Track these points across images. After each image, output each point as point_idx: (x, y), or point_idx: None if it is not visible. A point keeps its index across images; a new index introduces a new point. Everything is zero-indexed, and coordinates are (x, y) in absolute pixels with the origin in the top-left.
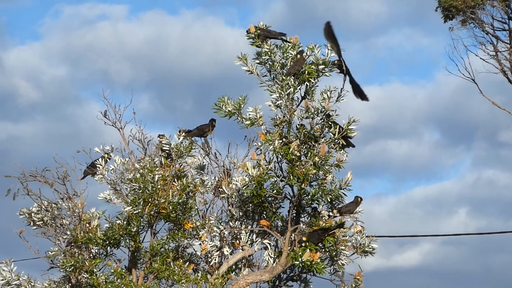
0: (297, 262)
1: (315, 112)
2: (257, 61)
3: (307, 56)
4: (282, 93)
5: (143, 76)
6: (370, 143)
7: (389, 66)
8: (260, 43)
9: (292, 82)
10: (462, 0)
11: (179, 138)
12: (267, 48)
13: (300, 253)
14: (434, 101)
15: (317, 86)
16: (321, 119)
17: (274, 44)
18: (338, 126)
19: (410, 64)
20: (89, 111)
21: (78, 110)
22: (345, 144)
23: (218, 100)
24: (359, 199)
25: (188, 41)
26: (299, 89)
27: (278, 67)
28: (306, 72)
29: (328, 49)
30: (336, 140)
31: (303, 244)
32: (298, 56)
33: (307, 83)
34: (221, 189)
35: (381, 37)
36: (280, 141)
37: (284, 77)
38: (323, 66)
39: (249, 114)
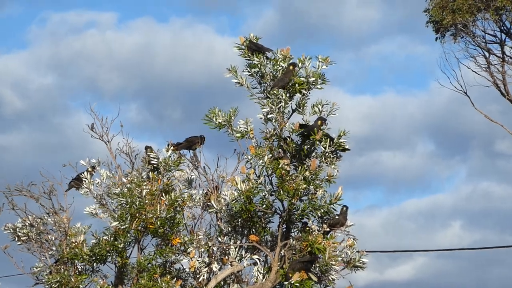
0: (286, 283)
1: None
2: (247, 73)
3: (298, 70)
4: (273, 107)
5: (131, 85)
6: (363, 154)
7: (382, 75)
8: (250, 54)
9: (284, 96)
10: (451, 17)
11: (167, 152)
12: (257, 61)
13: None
14: (428, 111)
15: (309, 99)
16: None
17: (264, 56)
18: (329, 139)
19: (403, 73)
20: (77, 121)
21: (66, 120)
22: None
23: (209, 111)
24: (344, 208)
25: (178, 49)
26: (290, 103)
27: (269, 80)
28: (297, 84)
29: (320, 61)
30: (327, 154)
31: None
32: (291, 67)
33: (299, 94)
34: (209, 204)
35: (374, 46)
36: (270, 155)
37: (271, 90)
38: (314, 79)
39: (240, 127)
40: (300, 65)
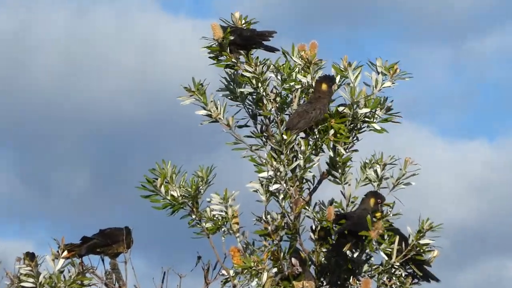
0: None
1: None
2: (228, 96)
3: (335, 89)
4: (282, 168)
5: None
6: (471, 263)
7: (507, 95)
8: (234, 60)
9: (304, 147)
10: None
11: (56, 261)
12: (249, 71)
13: None
14: None
15: (356, 151)
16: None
17: (263, 61)
18: (397, 237)
19: None
20: None
21: None
22: (419, 275)
23: (145, 177)
24: None
25: (88, 42)
26: (317, 159)
27: (273, 109)
28: (332, 120)
29: (380, 72)
30: (395, 269)
31: None
32: (323, 87)
33: (336, 145)
34: None
35: (489, 36)
36: (274, 270)
37: (283, 135)
38: (368, 109)
39: (212, 210)
40: (337, 79)
